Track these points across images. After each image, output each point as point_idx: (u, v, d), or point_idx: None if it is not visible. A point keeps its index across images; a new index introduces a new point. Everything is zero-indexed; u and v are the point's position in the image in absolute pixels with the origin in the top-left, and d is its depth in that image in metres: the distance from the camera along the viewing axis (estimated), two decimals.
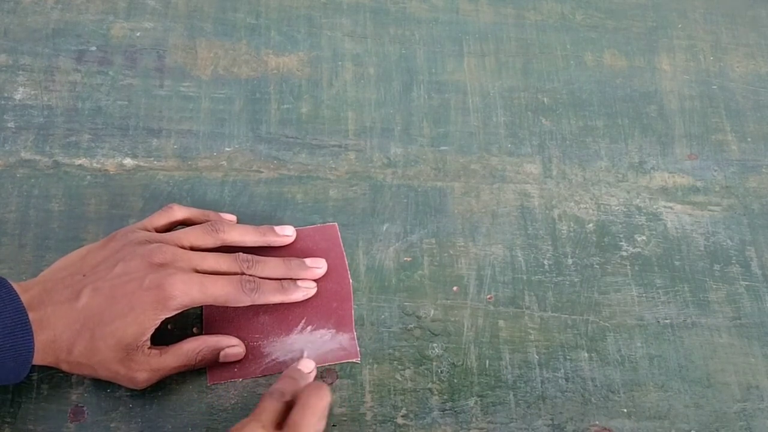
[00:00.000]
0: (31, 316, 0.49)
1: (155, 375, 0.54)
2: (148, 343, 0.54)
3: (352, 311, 0.62)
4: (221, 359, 0.57)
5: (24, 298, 0.50)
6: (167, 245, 0.55)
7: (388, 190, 0.68)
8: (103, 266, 0.54)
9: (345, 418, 0.58)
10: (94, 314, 0.52)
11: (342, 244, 0.65)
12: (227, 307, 0.60)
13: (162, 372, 0.55)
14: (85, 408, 0.56)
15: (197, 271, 0.55)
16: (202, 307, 0.61)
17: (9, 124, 0.68)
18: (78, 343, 0.51)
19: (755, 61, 0.80)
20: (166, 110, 0.70)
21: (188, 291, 0.53)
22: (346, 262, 0.64)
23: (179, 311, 0.54)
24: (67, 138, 0.67)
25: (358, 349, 0.61)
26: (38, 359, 0.51)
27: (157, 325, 0.54)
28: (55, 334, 0.51)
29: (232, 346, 0.58)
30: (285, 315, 0.61)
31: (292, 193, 0.67)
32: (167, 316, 0.54)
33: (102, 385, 0.57)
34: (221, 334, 0.59)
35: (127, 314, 0.52)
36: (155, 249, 0.54)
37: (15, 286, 0.51)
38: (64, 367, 0.53)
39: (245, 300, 0.56)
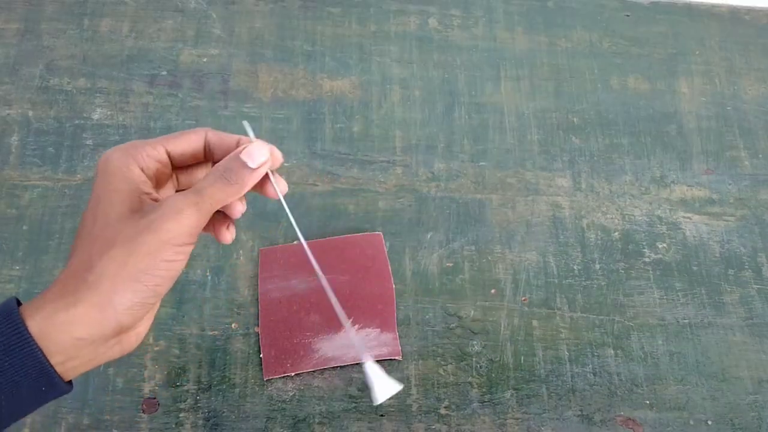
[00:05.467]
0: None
1: (201, 206, 0.39)
2: (150, 193, 0.41)
3: (395, 313, 0.65)
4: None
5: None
6: None
7: (431, 201, 0.71)
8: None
9: (393, 409, 0.61)
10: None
11: (386, 252, 0.68)
12: (281, 308, 0.62)
13: (202, 191, 0.39)
14: (157, 400, 0.60)
15: None
16: (259, 309, 0.63)
17: (88, 142, 0.72)
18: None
19: (766, 84, 0.82)
20: (230, 129, 0.69)
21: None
22: (390, 268, 0.67)
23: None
24: None
25: (400, 348, 0.63)
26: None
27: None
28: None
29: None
30: (334, 315, 0.61)
31: (344, 205, 0.70)
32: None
33: (172, 379, 0.60)
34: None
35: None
36: None
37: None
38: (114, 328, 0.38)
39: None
